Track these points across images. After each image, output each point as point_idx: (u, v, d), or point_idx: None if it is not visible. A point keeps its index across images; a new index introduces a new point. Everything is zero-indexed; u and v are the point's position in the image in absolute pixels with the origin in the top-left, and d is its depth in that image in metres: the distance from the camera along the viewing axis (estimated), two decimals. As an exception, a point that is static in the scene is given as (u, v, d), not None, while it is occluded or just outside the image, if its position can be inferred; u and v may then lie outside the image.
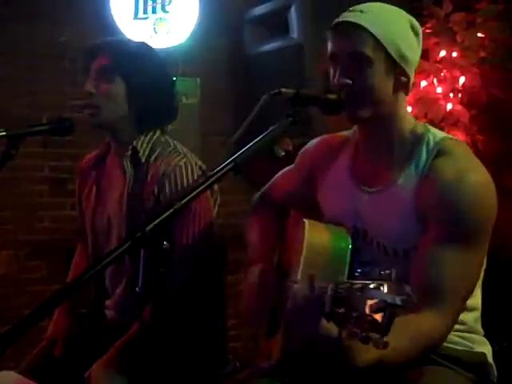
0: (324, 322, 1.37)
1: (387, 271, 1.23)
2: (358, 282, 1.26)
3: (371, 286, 1.22)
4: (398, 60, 1.70)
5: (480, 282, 1.79)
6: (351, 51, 1.69)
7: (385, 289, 1.20)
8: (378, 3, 1.77)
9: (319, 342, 1.41)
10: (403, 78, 1.74)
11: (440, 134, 1.77)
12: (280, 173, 2.15)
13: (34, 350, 2.34)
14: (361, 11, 1.70)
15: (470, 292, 1.69)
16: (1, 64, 3.77)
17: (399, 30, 1.72)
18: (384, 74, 1.70)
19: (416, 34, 1.76)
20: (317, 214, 1.93)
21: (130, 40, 2.36)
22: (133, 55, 2.22)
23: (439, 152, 1.71)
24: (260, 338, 2.01)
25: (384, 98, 1.72)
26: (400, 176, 1.74)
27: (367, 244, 1.79)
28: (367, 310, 1.20)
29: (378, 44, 1.68)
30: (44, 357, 2.29)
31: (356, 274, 1.30)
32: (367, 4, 1.75)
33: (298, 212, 2.03)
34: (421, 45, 1.79)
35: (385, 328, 1.19)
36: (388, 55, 1.69)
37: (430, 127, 1.80)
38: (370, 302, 1.20)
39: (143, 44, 2.37)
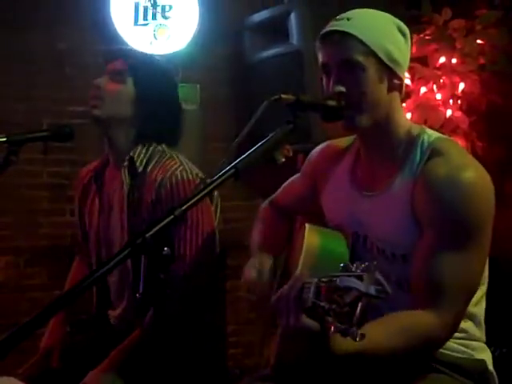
0: (303, 316, 1.36)
1: (367, 263, 1.22)
2: (340, 274, 1.24)
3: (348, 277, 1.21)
4: (389, 64, 1.72)
5: (483, 292, 1.79)
6: (343, 59, 1.70)
7: (362, 279, 1.19)
8: (364, 9, 1.78)
9: (301, 335, 1.41)
10: (396, 81, 1.75)
11: (435, 134, 1.77)
12: (288, 180, 2.18)
13: (29, 362, 2.31)
14: (348, 19, 1.71)
15: (472, 292, 1.67)
16: (0, 70, 3.78)
17: (388, 35, 1.73)
18: (377, 80, 1.71)
19: (403, 35, 1.77)
20: (322, 220, 1.95)
21: (146, 53, 2.44)
22: (147, 64, 2.29)
23: (432, 153, 1.70)
24: (265, 344, 2.01)
25: (379, 103, 1.73)
26: (396, 179, 1.74)
27: (368, 249, 1.80)
28: (344, 301, 1.19)
29: (369, 50, 1.69)
30: (41, 368, 2.28)
31: (340, 267, 1.29)
32: (353, 11, 1.76)
33: (304, 218, 2.04)
34: (409, 45, 1.79)
35: (359, 319, 1.18)
36: (379, 60, 1.70)
37: (425, 128, 1.79)
38: (348, 294, 1.19)
39: (157, 59, 2.46)
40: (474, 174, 1.65)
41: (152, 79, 2.24)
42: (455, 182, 1.62)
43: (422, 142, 1.74)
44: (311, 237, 1.80)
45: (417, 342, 1.56)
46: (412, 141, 1.75)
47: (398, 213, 1.71)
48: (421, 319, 1.57)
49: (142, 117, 2.22)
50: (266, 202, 2.23)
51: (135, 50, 2.39)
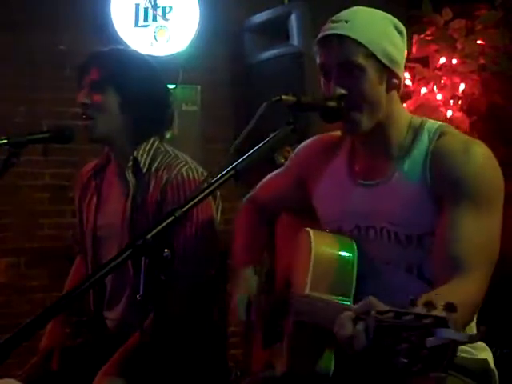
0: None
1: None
2: (405, 312, 1.18)
3: (428, 320, 1.15)
4: (388, 65, 1.72)
5: None
6: (342, 61, 1.70)
7: (450, 325, 1.13)
8: (360, 8, 1.77)
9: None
10: (395, 80, 1.75)
11: (438, 122, 1.79)
12: (269, 176, 2.12)
13: (28, 364, 2.31)
14: (345, 21, 1.71)
15: (494, 258, 1.66)
16: (1, 72, 3.78)
17: (386, 35, 1.73)
18: (377, 81, 1.71)
19: (400, 33, 1.77)
20: (308, 218, 1.92)
21: (121, 49, 2.33)
22: (123, 66, 2.22)
23: (442, 133, 1.73)
24: (255, 346, 2.01)
25: (379, 104, 1.73)
26: (404, 162, 1.74)
27: (375, 238, 1.77)
28: (425, 344, 1.13)
29: (369, 52, 1.69)
30: (40, 370, 2.27)
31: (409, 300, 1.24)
32: (350, 11, 1.76)
33: (291, 217, 2.03)
34: (405, 43, 1.79)
35: (447, 364, 1.14)
36: (379, 62, 1.71)
37: (426, 118, 1.81)
38: (429, 337, 1.13)
39: (134, 53, 2.37)
40: (485, 148, 1.70)
41: (131, 79, 2.20)
42: (470, 153, 1.66)
43: (428, 128, 1.76)
44: (319, 244, 1.76)
45: (469, 309, 1.55)
46: (416, 130, 1.77)
47: (411, 194, 1.71)
48: (460, 289, 1.54)
49: (133, 120, 2.22)
50: (247, 198, 2.16)
51: (107, 52, 2.27)
